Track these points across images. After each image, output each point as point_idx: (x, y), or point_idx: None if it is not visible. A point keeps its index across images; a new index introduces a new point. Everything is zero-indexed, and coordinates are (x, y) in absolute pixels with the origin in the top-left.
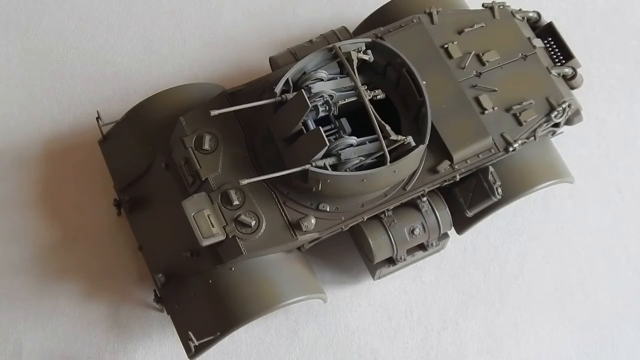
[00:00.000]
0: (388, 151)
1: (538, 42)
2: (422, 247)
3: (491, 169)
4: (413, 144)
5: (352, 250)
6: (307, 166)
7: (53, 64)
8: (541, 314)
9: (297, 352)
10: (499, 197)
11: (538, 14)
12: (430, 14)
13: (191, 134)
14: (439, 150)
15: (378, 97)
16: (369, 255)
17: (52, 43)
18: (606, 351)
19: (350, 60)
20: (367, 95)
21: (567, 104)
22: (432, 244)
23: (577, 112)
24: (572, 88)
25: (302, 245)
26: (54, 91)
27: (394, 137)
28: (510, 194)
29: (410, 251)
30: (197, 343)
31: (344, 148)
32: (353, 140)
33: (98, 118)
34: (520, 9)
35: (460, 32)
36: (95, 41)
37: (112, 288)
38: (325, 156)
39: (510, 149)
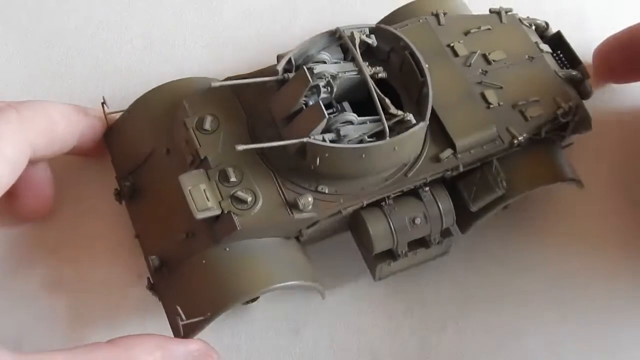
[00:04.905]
0: (388, 127)
1: (545, 47)
2: (424, 244)
3: (495, 162)
4: (413, 121)
5: (352, 251)
6: (305, 139)
7: (53, 64)
8: (541, 314)
9: (297, 352)
10: (503, 190)
11: (546, 23)
12: (437, 16)
13: (193, 116)
14: (442, 140)
15: (379, 75)
16: (367, 245)
17: (52, 43)
18: (606, 350)
19: (352, 39)
20: (368, 71)
21: (574, 103)
22: (434, 240)
23: (585, 119)
24: (582, 98)
25: (300, 231)
26: (54, 91)
27: (393, 110)
28: (514, 190)
29: (412, 248)
30: (185, 321)
31: (344, 124)
32: (353, 116)
33: (103, 103)
34: (527, 17)
35: (466, 33)
36: (95, 41)
37: (111, 289)
38: (324, 132)
39: (515, 141)
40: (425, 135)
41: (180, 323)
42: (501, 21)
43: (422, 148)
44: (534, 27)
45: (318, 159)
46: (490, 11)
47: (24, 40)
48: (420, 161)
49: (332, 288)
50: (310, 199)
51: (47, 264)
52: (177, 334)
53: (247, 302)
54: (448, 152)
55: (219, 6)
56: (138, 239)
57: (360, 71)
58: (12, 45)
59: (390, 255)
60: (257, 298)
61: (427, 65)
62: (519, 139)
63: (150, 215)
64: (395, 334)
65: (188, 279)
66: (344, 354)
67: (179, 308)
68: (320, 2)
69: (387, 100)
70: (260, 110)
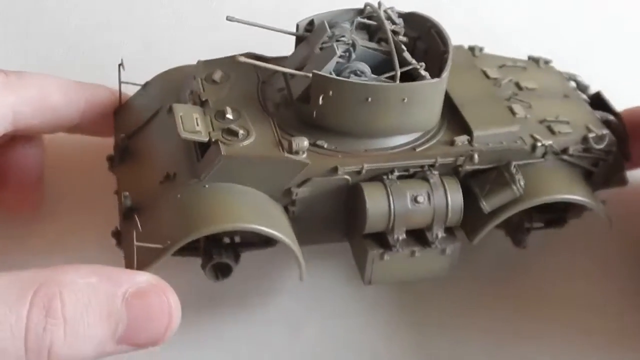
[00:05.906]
0: (401, 79)
1: (583, 95)
2: (424, 240)
3: (514, 162)
4: (428, 77)
5: (351, 252)
6: (310, 74)
7: (53, 64)
8: (541, 315)
9: (297, 351)
10: (520, 190)
11: (586, 85)
12: (472, 49)
13: (204, 70)
14: (460, 128)
15: (400, 36)
16: (361, 218)
17: (52, 43)
18: (606, 350)
19: (379, 5)
20: (389, 26)
21: (608, 136)
22: (435, 237)
23: (620, 168)
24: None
25: (290, 192)
26: None
27: (407, 55)
28: (534, 193)
29: (409, 244)
30: (140, 243)
31: (355, 71)
32: (366, 67)
33: (120, 65)
34: (568, 72)
35: (501, 66)
36: (95, 41)
37: None
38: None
39: (539, 144)
40: (442, 122)
41: (135, 244)
42: (538, 66)
43: (437, 131)
44: (574, 84)
45: (321, 99)
46: (529, 58)
47: (24, 40)
48: (433, 141)
49: (332, 288)
50: (305, 143)
51: (45, 262)
52: (129, 264)
53: (218, 276)
54: (464, 137)
55: (219, 6)
56: (117, 195)
57: (379, 21)
58: (12, 45)
59: (383, 243)
60: (231, 271)
61: (452, 45)
62: (543, 143)
63: (136, 169)
64: (395, 333)
65: (157, 212)
66: (343, 353)
67: (136, 217)
68: (321, 3)
69: (403, 45)
70: (274, 80)
